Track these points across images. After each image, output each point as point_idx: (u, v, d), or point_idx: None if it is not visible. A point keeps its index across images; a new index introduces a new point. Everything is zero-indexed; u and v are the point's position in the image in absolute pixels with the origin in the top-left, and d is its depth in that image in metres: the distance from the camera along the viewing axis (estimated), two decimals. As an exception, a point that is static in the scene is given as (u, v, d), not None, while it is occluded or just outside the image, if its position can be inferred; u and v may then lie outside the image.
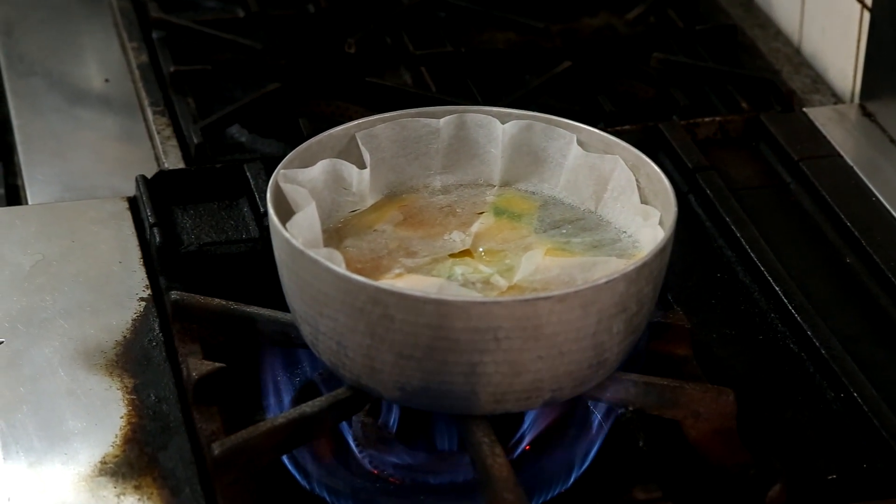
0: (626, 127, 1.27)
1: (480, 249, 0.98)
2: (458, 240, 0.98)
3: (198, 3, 1.52)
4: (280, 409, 0.98)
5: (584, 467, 0.94)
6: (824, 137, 1.27)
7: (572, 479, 0.93)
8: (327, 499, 0.92)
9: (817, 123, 1.29)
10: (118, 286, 1.09)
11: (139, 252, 1.13)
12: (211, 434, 0.94)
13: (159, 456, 0.94)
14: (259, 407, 0.98)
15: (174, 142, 1.28)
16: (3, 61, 1.42)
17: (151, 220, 1.13)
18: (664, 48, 1.41)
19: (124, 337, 1.04)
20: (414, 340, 0.88)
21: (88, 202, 1.19)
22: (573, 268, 0.94)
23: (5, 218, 1.17)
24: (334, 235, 0.99)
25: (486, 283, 0.94)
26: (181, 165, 1.25)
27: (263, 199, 1.11)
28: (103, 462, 0.94)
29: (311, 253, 0.89)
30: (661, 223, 0.95)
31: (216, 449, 0.90)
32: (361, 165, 1.01)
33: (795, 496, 0.92)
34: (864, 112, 1.31)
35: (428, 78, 1.37)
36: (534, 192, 1.03)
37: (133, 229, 1.15)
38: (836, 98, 1.36)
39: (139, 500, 0.91)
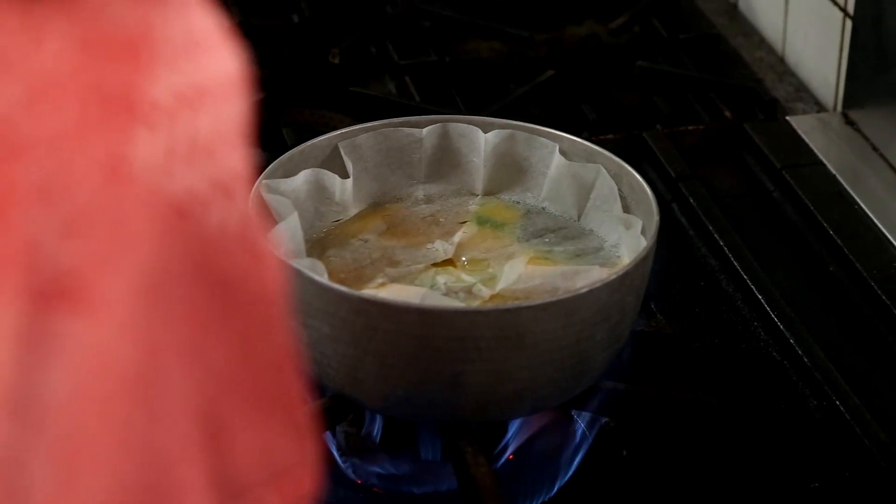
0: (610, 136, 1.27)
1: (463, 259, 0.98)
2: (441, 249, 0.99)
3: (182, 12, 1.52)
4: (263, 419, 0.97)
5: (568, 476, 0.94)
6: (807, 146, 1.27)
7: (556, 489, 0.93)
8: (310, 509, 0.92)
9: (800, 132, 1.29)
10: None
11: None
12: (194, 444, 0.94)
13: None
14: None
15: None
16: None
17: (135, 230, 1.13)
18: (648, 57, 1.41)
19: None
20: (397, 350, 0.88)
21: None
22: (555, 277, 0.94)
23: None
24: (317, 245, 0.99)
25: (469, 292, 0.94)
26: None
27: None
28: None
29: (294, 263, 0.89)
30: (643, 232, 0.95)
31: (199, 459, 0.90)
32: (344, 175, 1.01)
33: (778, 504, 0.93)
34: (847, 120, 1.31)
35: (412, 87, 1.37)
36: (517, 202, 1.04)
37: (117, 239, 1.15)
38: (820, 106, 1.36)
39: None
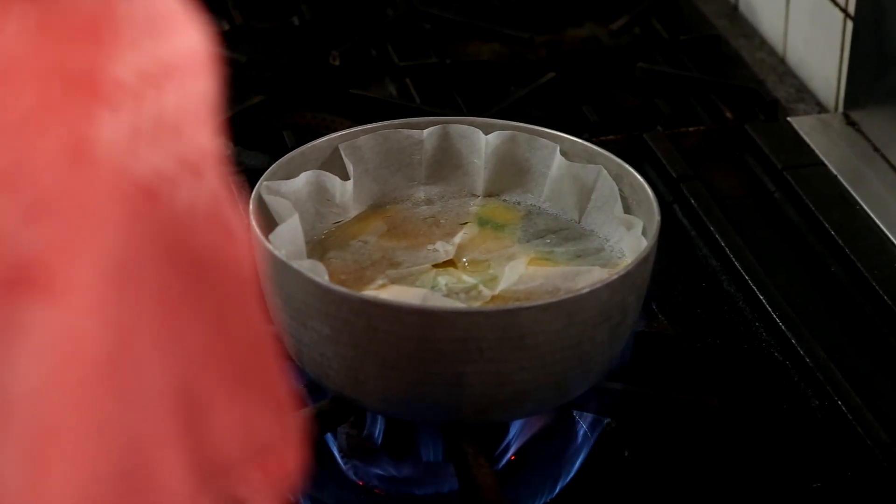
0: (611, 137, 1.27)
1: (464, 260, 0.98)
2: (441, 250, 0.98)
3: (182, 16, 1.52)
4: (264, 421, 0.97)
5: (570, 477, 0.94)
6: (808, 147, 1.27)
7: (558, 490, 0.93)
8: (312, 510, 0.92)
9: (801, 133, 1.29)
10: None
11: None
12: (195, 446, 0.94)
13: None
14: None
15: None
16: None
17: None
18: (648, 58, 1.41)
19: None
20: (398, 351, 0.88)
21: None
22: (556, 277, 0.94)
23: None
24: (318, 247, 0.99)
25: (470, 293, 0.94)
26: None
27: (247, 211, 1.11)
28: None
29: (295, 264, 0.89)
30: (644, 233, 0.95)
31: (200, 461, 0.90)
32: (345, 177, 1.01)
33: (780, 505, 0.92)
34: (848, 121, 1.31)
35: (413, 89, 1.37)
36: (517, 203, 1.04)
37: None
38: (821, 107, 1.36)
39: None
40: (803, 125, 1.30)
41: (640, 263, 0.91)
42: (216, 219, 0.47)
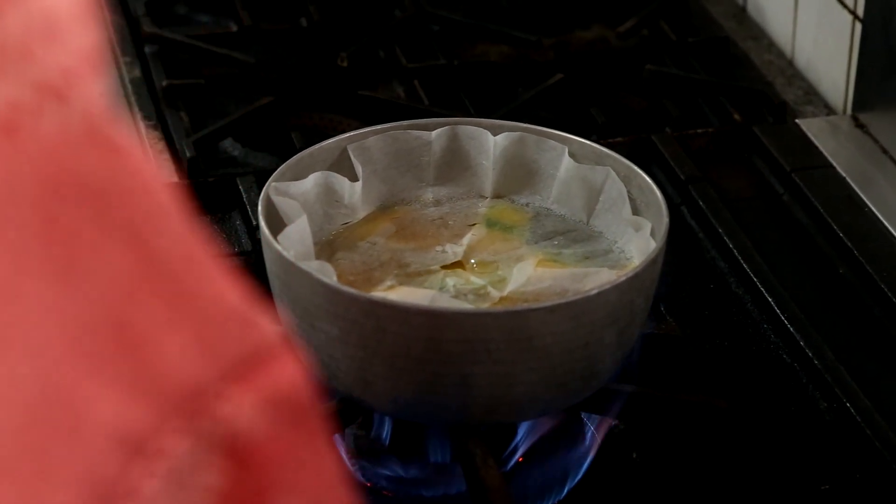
0: (619, 139, 1.27)
1: (472, 261, 0.98)
2: (450, 251, 0.98)
3: (190, 17, 1.52)
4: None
5: (578, 479, 0.94)
6: (817, 149, 1.27)
7: (565, 491, 0.93)
8: (319, 511, 0.92)
9: (810, 135, 1.29)
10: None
11: (132, 266, 1.12)
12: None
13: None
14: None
15: (167, 156, 1.28)
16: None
17: (144, 233, 1.13)
18: (657, 60, 1.41)
19: (117, 350, 1.04)
20: (406, 352, 0.88)
21: (81, 216, 1.19)
22: (564, 279, 0.94)
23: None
24: (326, 248, 0.99)
25: (478, 294, 0.94)
26: (174, 179, 1.25)
27: (256, 212, 1.12)
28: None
29: (303, 265, 0.89)
30: (652, 234, 0.95)
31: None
32: (353, 178, 1.01)
33: (788, 507, 0.92)
34: (857, 123, 1.31)
35: (421, 91, 1.37)
36: (526, 204, 1.03)
37: (126, 243, 1.15)
38: (829, 109, 1.36)
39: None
40: (812, 127, 1.30)
41: (649, 265, 0.91)
42: (96, 139, 0.42)
